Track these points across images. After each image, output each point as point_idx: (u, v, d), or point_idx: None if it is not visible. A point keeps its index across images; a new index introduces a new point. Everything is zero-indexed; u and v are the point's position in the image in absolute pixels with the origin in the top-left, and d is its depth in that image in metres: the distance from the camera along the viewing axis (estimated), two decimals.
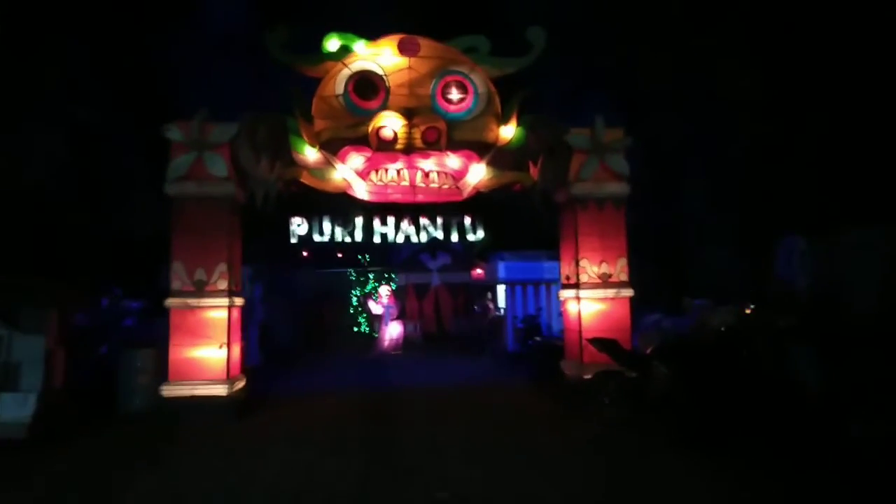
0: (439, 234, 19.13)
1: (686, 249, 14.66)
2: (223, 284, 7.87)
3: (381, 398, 9.23)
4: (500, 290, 15.38)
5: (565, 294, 9.14)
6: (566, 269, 9.29)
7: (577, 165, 8.63)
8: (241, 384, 8.20)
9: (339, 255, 19.93)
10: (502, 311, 15.14)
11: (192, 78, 12.86)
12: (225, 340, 7.81)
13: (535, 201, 8.84)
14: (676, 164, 13.76)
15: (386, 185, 8.44)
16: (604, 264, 8.72)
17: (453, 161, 8.41)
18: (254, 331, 13.96)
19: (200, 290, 7.80)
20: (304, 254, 20.13)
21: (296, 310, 17.46)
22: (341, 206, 17.79)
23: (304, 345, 16.73)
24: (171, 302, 7.75)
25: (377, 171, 8.36)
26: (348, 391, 9.92)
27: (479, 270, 18.05)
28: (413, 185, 8.47)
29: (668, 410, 5.97)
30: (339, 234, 19.15)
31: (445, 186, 8.61)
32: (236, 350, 8.26)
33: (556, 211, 9.45)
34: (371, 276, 18.78)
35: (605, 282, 8.69)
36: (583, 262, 8.71)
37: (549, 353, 10.55)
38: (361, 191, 8.57)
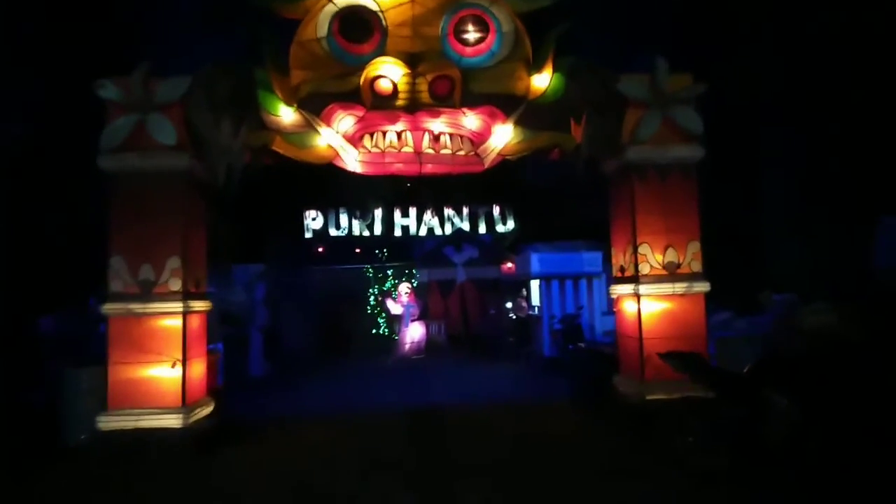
0: (465, 226, 17.61)
1: (755, 232, 12.49)
2: (176, 285, 6.12)
3: (390, 426, 7.31)
4: (534, 285, 13.49)
5: (619, 290, 7.14)
6: (620, 258, 7.28)
7: (632, 122, 6.64)
8: (204, 411, 6.44)
9: (357, 251, 18.19)
10: (537, 309, 13.25)
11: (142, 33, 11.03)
12: (179, 357, 6.06)
13: (577, 171, 6.87)
14: (747, 128, 11.50)
15: (383, 153, 6.58)
16: (670, 250, 6.71)
17: (471, 120, 6.53)
18: (256, 337, 12.46)
19: (147, 292, 6.07)
20: (319, 250, 18.50)
21: (308, 311, 15.86)
22: (359, 196, 16.24)
23: (317, 350, 15.07)
24: (109, 308, 6.04)
25: (372, 134, 6.54)
26: (351, 413, 8.07)
27: (509, 264, 16.14)
28: (418, 153, 6.60)
29: (803, 469, 3.94)
30: (357, 227, 17.71)
31: (461, 153, 6.72)
32: (198, 368, 6.51)
33: (605, 183, 7.45)
34: (389, 272, 17.00)
35: (671, 273, 6.68)
36: (642, 249, 6.71)
37: (596, 362, 8.56)
38: (352, 161, 6.73)
